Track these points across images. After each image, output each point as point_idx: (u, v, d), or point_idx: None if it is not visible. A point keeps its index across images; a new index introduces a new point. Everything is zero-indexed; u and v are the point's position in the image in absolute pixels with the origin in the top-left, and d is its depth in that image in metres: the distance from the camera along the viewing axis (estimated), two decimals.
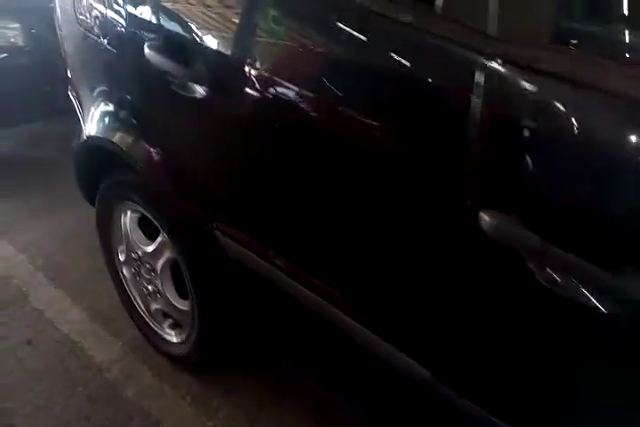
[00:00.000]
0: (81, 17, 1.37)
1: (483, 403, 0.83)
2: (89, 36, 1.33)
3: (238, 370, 1.66)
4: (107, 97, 1.38)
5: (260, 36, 1.01)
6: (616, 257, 0.65)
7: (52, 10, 1.56)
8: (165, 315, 1.61)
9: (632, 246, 0.64)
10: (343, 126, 0.89)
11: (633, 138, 0.63)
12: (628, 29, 0.66)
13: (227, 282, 1.30)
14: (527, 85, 0.68)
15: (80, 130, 1.50)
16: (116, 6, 1.23)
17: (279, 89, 0.95)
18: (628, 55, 0.68)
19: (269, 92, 0.97)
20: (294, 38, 0.96)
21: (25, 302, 1.93)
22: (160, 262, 1.47)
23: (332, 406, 1.46)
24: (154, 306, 1.60)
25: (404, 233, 0.87)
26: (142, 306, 1.66)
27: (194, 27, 1.08)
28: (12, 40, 2.53)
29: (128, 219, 1.53)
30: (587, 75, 0.65)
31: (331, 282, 1.01)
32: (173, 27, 1.11)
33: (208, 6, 1.06)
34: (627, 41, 0.67)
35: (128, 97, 1.31)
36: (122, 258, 1.63)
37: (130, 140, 1.33)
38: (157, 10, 1.14)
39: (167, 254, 1.44)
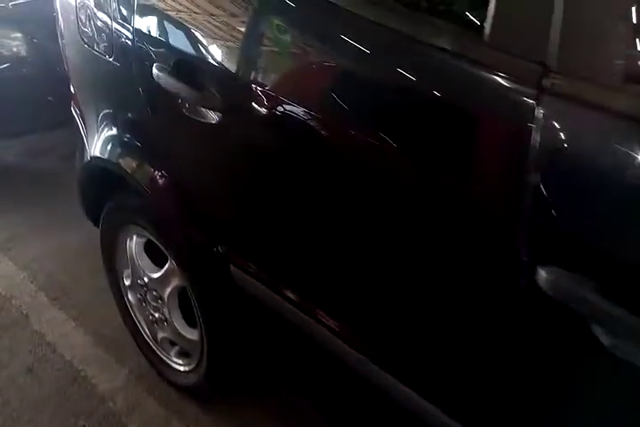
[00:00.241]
0: (85, 29, 1.30)
1: None
2: (93, 53, 1.25)
3: (243, 399, 1.57)
4: (112, 117, 1.31)
5: (279, 62, 0.94)
6: None
7: (55, 19, 1.48)
8: (173, 343, 1.53)
9: None
10: (374, 161, 0.81)
11: None
12: None
13: (237, 312, 1.23)
14: (595, 126, 0.60)
15: (83, 149, 1.43)
16: (121, 20, 1.15)
17: (295, 114, 0.88)
18: None
19: (284, 117, 0.89)
20: (318, 63, 0.88)
21: (25, 324, 1.85)
22: (167, 290, 1.40)
23: None
24: (160, 334, 1.52)
25: (436, 282, 0.80)
26: (148, 333, 1.58)
27: (205, 48, 1.00)
28: (14, 50, 2.46)
29: (134, 243, 1.45)
30: None
31: (354, 323, 0.94)
32: (183, 47, 1.03)
33: (221, 26, 0.98)
34: None
35: (134, 118, 1.23)
36: (127, 282, 1.56)
37: (135, 163, 1.26)
38: (166, 26, 1.07)
39: (175, 282, 1.37)
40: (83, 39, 1.29)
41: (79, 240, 2.22)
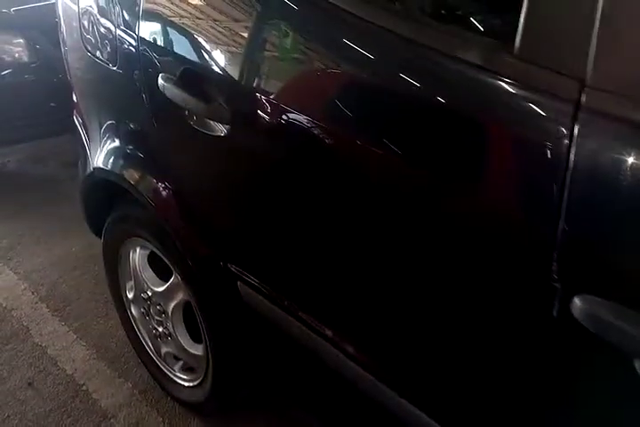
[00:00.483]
0: (88, 36, 1.26)
1: None
2: (96, 61, 1.21)
3: (244, 413, 1.52)
4: (115, 128, 1.27)
5: (289, 71, 0.90)
6: None
7: (57, 25, 1.44)
8: (177, 358, 1.49)
9: None
10: (391, 177, 0.76)
11: None
12: None
13: (243, 328, 1.19)
14: (635, 144, 0.56)
15: (86, 160, 1.39)
16: (125, 28, 1.11)
17: (307, 125, 0.83)
18: None
19: (296, 129, 0.85)
20: (333, 72, 0.84)
21: (26, 336, 1.81)
22: (172, 304, 1.35)
23: None
24: (164, 349, 1.48)
25: (462, 310, 0.75)
26: (152, 347, 1.54)
27: (212, 57, 0.96)
28: (17, 56, 2.43)
29: (137, 256, 1.41)
30: None
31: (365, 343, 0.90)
32: (190, 56, 0.99)
33: (228, 34, 0.94)
34: None
35: (138, 129, 1.19)
36: (130, 296, 1.52)
37: (138, 174, 1.22)
38: (171, 35, 1.03)
39: (180, 296, 1.33)
40: (86, 47, 1.25)
41: (81, 249, 2.18)
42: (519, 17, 0.59)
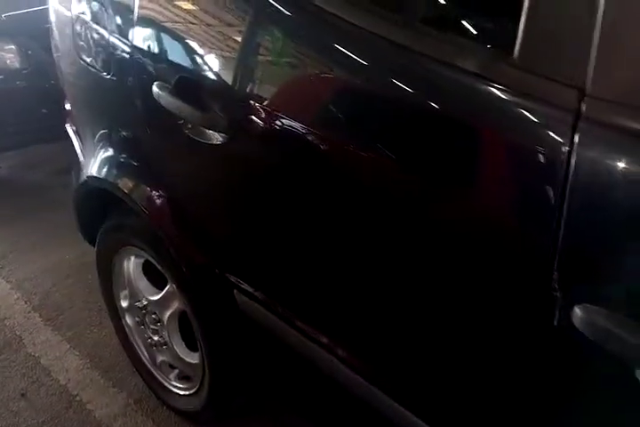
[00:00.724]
0: (81, 43, 1.25)
1: None
2: (90, 68, 1.20)
3: (241, 421, 1.50)
4: (108, 136, 1.26)
5: (284, 78, 0.90)
6: None
7: (49, 31, 1.43)
8: (172, 366, 1.47)
9: None
10: (390, 184, 0.76)
11: None
12: None
13: (240, 336, 1.18)
14: (635, 153, 0.56)
15: (79, 168, 1.38)
16: (119, 35, 1.10)
17: (305, 133, 0.83)
18: None
19: (293, 137, 0.84)
20: (328, 82, 0.84)
21: (19, 346, 1.79)
22: (167, 313, 1.34)
23: None
24: (160, 358, 1.46)
25: (460, 320, 0.75)
26: (147, 356, 1.52)
27: (208, 65, 0.95)
28: (8, 62, 2.42)
29: (132, 264, 1.40)
30: None
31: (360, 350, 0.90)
32: (186, 64, 0.98)
33: (223, 41, 0.93)
34: None
35: (132, 137, 1.18)
36: (124, 305, 1.50)
37: (132, 183, 1.21)
38: (167, 42, 1.02)
39: (176, 305, 1.31)
40: (78, 53, 1.24)
41: (75, 258, 2.16)
42: (518, 25, 0.59)
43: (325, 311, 0.94)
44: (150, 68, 1.02)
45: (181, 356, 1.38)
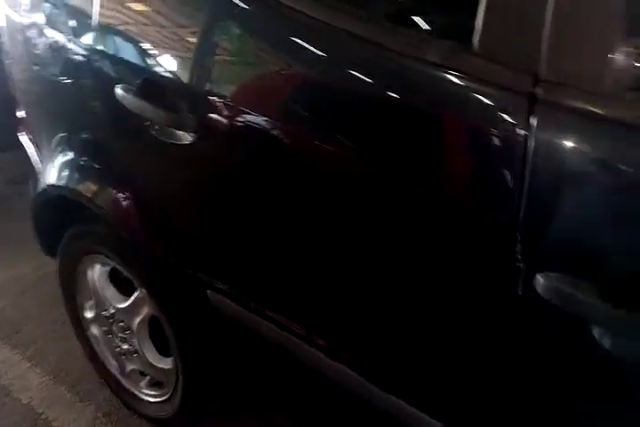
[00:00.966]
0: (35, 49, 1.23)
1: None
2: (45, 74, 1.19)
3: (221, 422, 1.50)
4: (67, 141, 1.24)
5: (247, 74, 0.92)
6: None
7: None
8: (143, 374, 1.46)
9: None
10: (359, 174, 0.80)
11: None
12: None
13: (215, 336, 1.19)
14: (587, 132, 0.61)
15: (36, 178, 1.35)
16: (77, 39, 1.10)
17: (269, 130, 0.86)
18: None
19: (259, 134, 0.87)
20: (292, 76, 0.87)
21: None
22: (137, 320, 1.33)
23: None
24: (130, 366, 1.45)
25: (431, 292, 0.79)
26: (116, 366, 1.50)
27: (172, 65, 0.97)
28: None
29: (97, 273, 1.38)
30: None
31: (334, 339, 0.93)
32: (149, 66, 0.99)
33: (185, 41, 0.95)
34: None
35: (93, 141, 1.18)
36: (89, 315, 1.47)
37: (95, 187, 1.20)
38: (129, 45, 1.03)
39: (145, 311, 1.31)
40: (32, 59, 1.22)
41: (31, 271, 2.08)
42: (476, 18, 0.64)
43: (302, 302, 0.96)
44: (112, 71, 1.03)
45: (153, 362, 1.37)
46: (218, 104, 0.90)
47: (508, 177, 0.66)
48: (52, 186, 1.28)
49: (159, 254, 1.14)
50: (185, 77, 0.95)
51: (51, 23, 1.15)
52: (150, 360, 1.37)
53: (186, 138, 0.94)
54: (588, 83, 0.61)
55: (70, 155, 1.23)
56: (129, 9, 1.01)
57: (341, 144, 0.80)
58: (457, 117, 0.71)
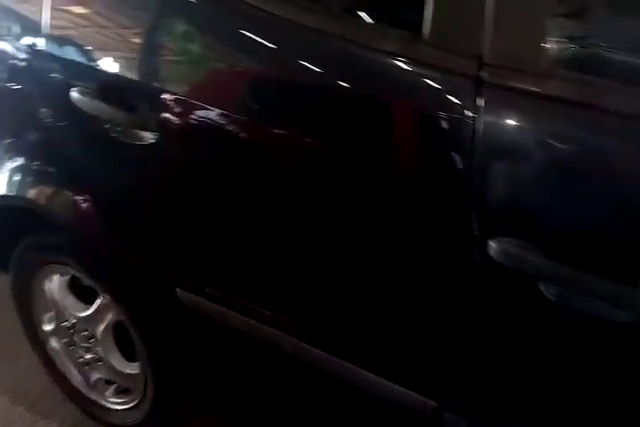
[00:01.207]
0: None
1: None
2: None
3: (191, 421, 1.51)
4: (17, 148, 1.22)
5: (199, 69, 0.95)
6: (628, 270, 0.66)
7: None
8: (109, 382, 1.44)
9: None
10: (318, 164, 0.84)
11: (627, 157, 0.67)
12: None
13: (186, 336, 1.19)
14: (529, 110, 0.69)
15: None
16: (24, 43, 1.08)
17: (230, 123, 0.89)
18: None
19: (220, 129, 0.90)
20: (246, 69, 0.91)
21: None
22: (101, 327, 1.32)
23: None
24: (95, 375, 1.43)
25: (394, 271, 0.84)
26: (80, 378, 1.47)
27: (127, 65, 0.99)
28: None
29: (56, 284, 1.35)
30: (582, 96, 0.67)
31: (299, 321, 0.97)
32: (106, 67, 1.00)
33: (139, 40, 0.97)
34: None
35: (47, 147, 1.16)
36: (49, 328, 1.44)
37: (50, 192, 1.18)
38: (82, 47, 1.03)
39: (109, 317, 1.30)
40: None
41: None
42: (425, 8, 0.71)
43: (275, 291, 0.99)
44: (66, 75, 1.03)
45: (119, 369, 1.36)
46: (177, 102, 0.92)
47: (460, 156, 0.73)
48: (2, 197, 1.25)
49: (124, 257, 1.15)
50: (142, 77, 0.96)
51: None
52: (116, 367, 1.36)
53: (147, 137, 0.96)
54: (527, 64, 0.68)
55: (20, 161, 1.20)
56: (79, 12, 1.02)
57: (299, 135, 0.84)
58: (410, 103, 0.78)
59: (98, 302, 1.29)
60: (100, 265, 1.21)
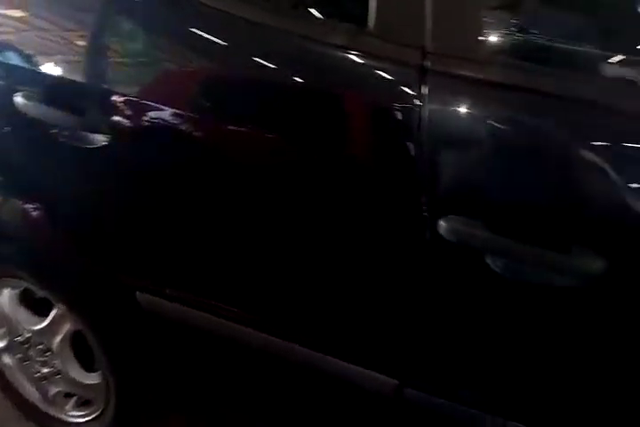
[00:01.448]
0: None
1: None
2: None
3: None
4: None
5: (145, 68, 0.95)
6: (565, 240, 0.72)
7: None
8: (68, 395, 1.41)
9: (577, 228, 0.72)
10: (270, 157, 0.86)
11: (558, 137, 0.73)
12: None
13: (148, 340, 1.18)
14: (470, 95, 0.74)
15: None
16: None
17: (182, 123, 0.90)
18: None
19: (173, 128, 0.90)
20: (195, 68, 0.92)
21: None
22: (57, 339, 1.29)
23: None
24: (53, 389, 1.39)
25: (350, 257, 0.87)
26: (36, 394, 1.42)
27: (74, 68, 0.99)
28: None
29: (5, 298, 1.31)
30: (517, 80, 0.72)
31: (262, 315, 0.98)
32: (51, 71, 0.98)
33: (89, 42, 0.96)
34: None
35: None
36: (0, 345, 1.39)
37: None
38: (24, 51, 1.01)
39: (66, 328, 1.27)
40: None
41: None
42: (369, 2, 0.75)
43: (233, 286, 1.00)
44: (8, 80, 1.00)
45: (79, 380, 1.33)
46: (128, 103, 0.92)
47: (409, 143, 0.77)
48: None
49: (78, 263, 1.13)
50: (90, 79, 0.96)
51: None
52: (76, 379, 1.33)
53: (98, 140, 0.95)
54: (467, 51, 0.73)
55: None
56: (17, 15, 1.00)
57: (255, 132, 0.86)
58: (360, 94, 0.81)
59: (53, 313, 1.26)
60: (53, 274, 1.18)
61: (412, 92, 0.75)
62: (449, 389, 0.89)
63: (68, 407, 1.42)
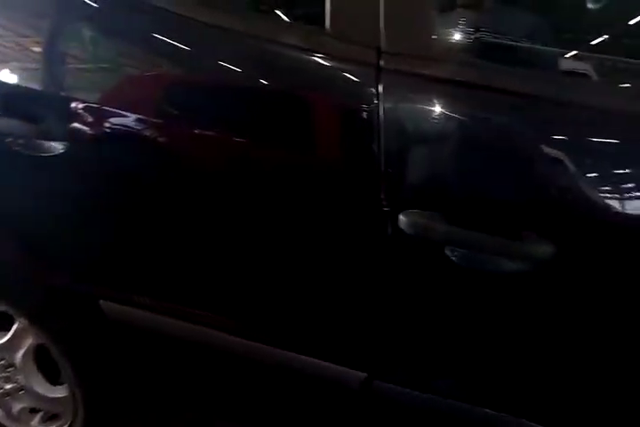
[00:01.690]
0: None
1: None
2: None
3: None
4: None
5: (102, 74, 0.95)
6: (516, 228, 0.76)
7: None
8: (34, 410, 1.37)
9: (527, 215, 0.76)
10: (233, 159, 0.87)
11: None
12: None
13: (113, 349, 1.17)
14: (424, 92, 0.76)
15: None
16: None
17: (143, 129, 0.90)
18: None
19: (133, 134, 0.90)
20: (157, 73, 0.92)
21: None
22: (20, 354, 1.25)
23: None
24: (17, 406, 1.35)
25: (314, 255, 0.88)
26: (0, 411, 1.38)
27: (27, 75, 0.97)
28: None
29: None
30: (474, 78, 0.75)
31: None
32: (5, 80, 0.96)
33: (43, 49, 0.95)
34: None
35: None
36: None
37: None
38: None
39: (29, 342, 1.24)
40: None
41: None
42: (326, 5, 0.76)
43: (205, 289, 1.00)
44: None
45: (45, 394, 1.30)
46: (87, 110, 0.91)
47: (368, 139, 0.79)
48: None
49: (39, 276, 1.10)
50: (47, 86, 0.94)
51: None
52: (41, 393, 1.30)
53: (55, 148, 0.94)
54: (420, 50, 0.76)
55: None
56: None
57: (218, 135, 0.87)
58: (321, 94, 0.83)
59: (14, 327, 1.23)
60: (12, 288, 1.15)
61: (368, 91, 0.78)
62: (418, 381, 0.91)
63: (34, 423, 1.38)
